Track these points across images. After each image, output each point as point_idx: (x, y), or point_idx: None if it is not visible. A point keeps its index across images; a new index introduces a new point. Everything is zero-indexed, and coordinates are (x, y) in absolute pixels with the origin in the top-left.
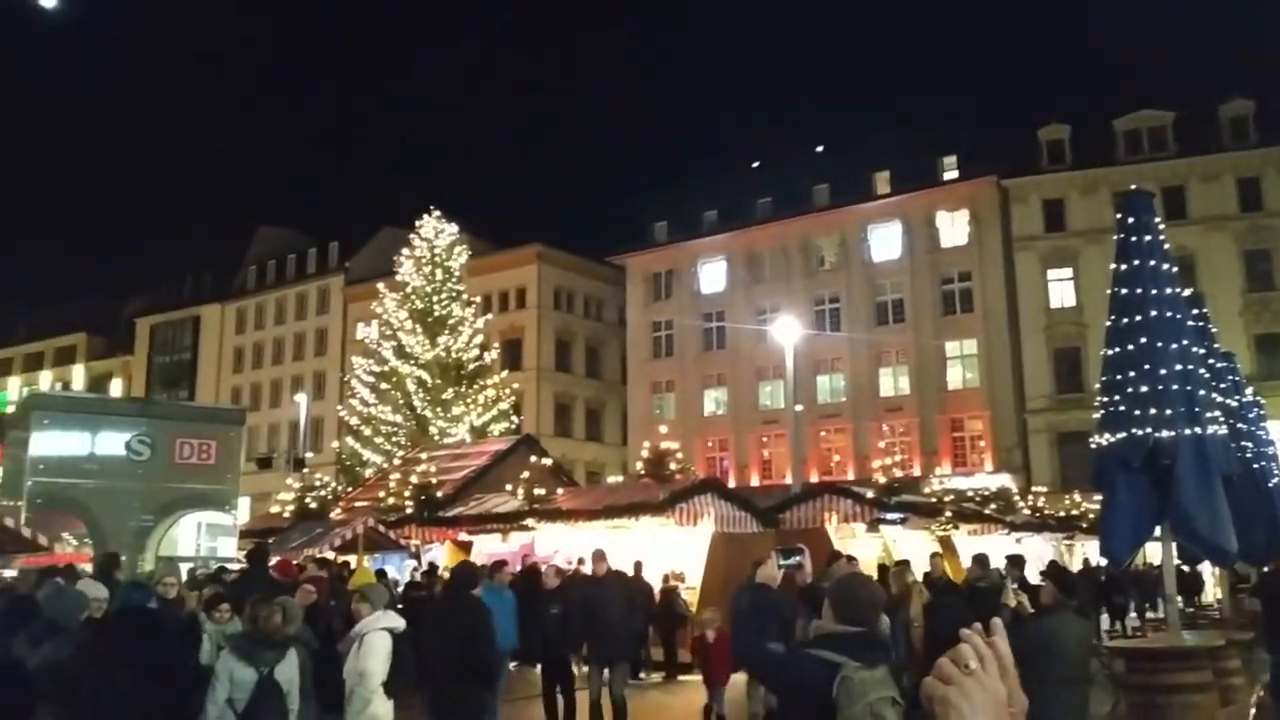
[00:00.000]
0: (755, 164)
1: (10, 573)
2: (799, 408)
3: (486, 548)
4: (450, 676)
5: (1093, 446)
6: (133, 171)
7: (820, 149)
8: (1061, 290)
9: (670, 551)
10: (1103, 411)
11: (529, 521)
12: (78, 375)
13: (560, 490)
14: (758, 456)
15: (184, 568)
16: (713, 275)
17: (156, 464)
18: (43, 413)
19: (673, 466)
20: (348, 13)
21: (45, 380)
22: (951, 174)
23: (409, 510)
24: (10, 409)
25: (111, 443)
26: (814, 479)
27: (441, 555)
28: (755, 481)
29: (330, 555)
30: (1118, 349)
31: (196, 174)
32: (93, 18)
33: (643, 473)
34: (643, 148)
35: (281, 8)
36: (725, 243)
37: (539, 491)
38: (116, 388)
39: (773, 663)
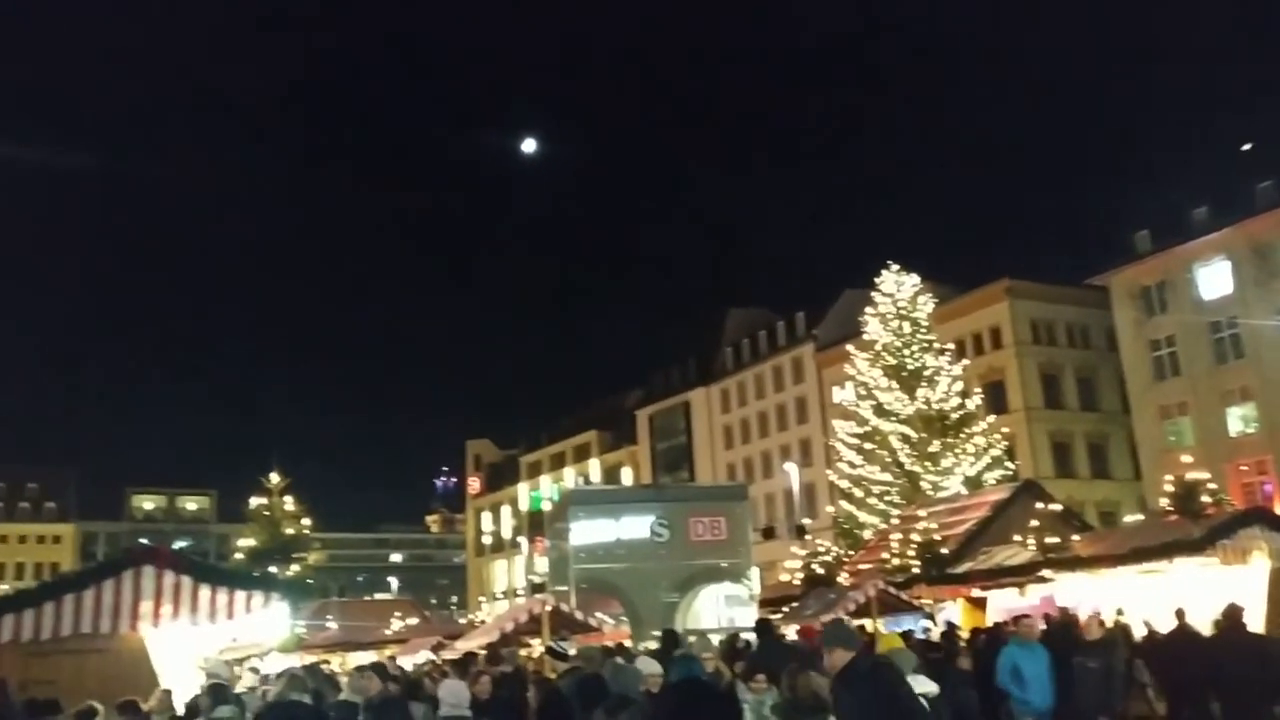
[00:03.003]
0: (1247, 145)
1: (572, 649)
2: None
3: (1002, 603)
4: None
5: None
6: (611, 280)
7: None
8: None
9: (1215, 595)
10: None
11: (1046, 572)
12: (594, 469)
13: (1075, 536)
14: None
15: (714, 638)
16: (1214, 278)
17: (675, 544)
18: (578, 507)
19: (1205, 498)
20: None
21: (569, 477)
22: None
23: (915, 570)
24: (545, 506)
25: (636, 527)
26: None
27: (956, 614)
28: None
29: (845, 619)
30: None
31: (670, 271)
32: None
33: (1168, 508)
34: (1104, 156)
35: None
36: (1224, 240)
37: (1051, 540)
38: (627, 476)
39: None
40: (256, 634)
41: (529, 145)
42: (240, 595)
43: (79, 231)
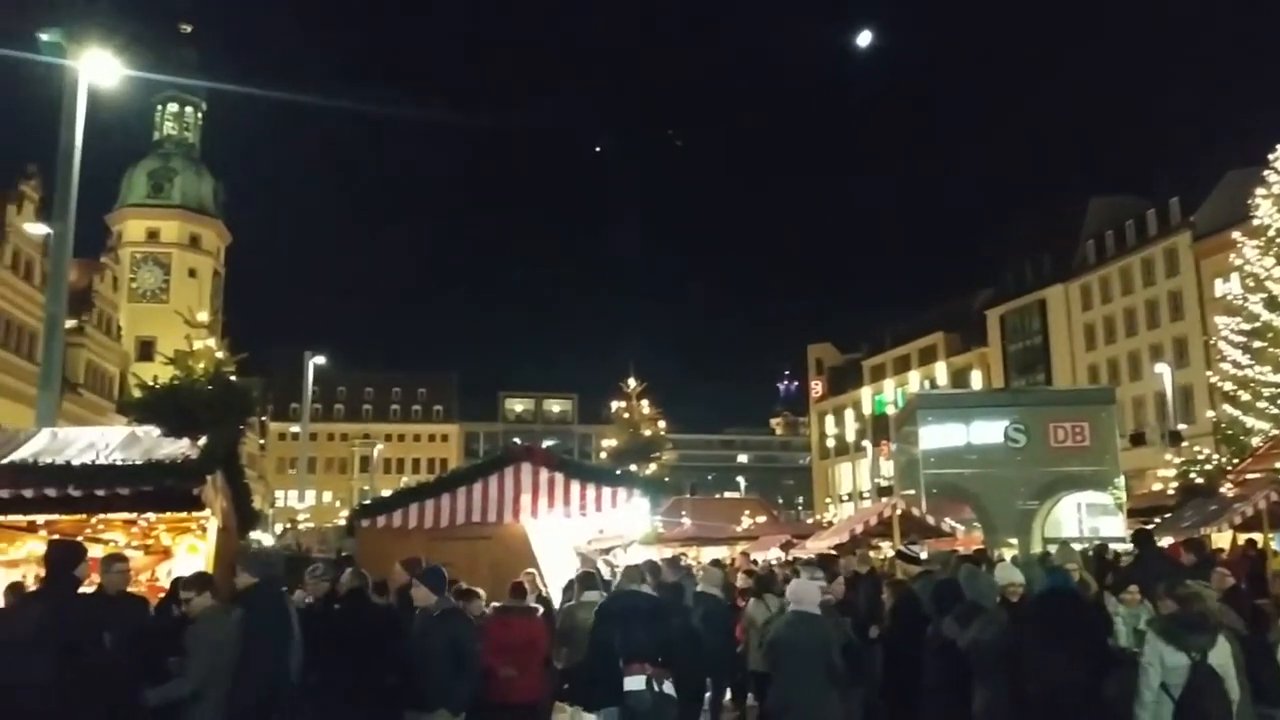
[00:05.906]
0: None
1: (923, 553)
2: None
3: None
4: None
5: None
6: (957, 170)
7: None
8: None
9: None
10: None
11: None
12: (940, 372)
13: None
14: None
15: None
16: None
17: (1032, 449)
18: (926, 410)
19: None
20: None
21: (914, 380)
22: None
23: None
24: (889, 410)
25: (988, 432)
26: None
27: None
28: None
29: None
30: None
31: (1022, 157)
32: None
33: None
34: None
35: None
36: None
37: None
38: (976, 379)
39: None
40: (620, 527)
41: (864, 38)
42: (606, 491)
43: (475, 173)
